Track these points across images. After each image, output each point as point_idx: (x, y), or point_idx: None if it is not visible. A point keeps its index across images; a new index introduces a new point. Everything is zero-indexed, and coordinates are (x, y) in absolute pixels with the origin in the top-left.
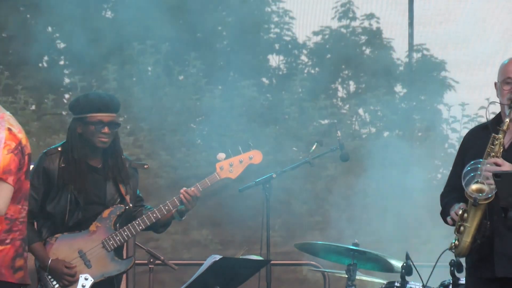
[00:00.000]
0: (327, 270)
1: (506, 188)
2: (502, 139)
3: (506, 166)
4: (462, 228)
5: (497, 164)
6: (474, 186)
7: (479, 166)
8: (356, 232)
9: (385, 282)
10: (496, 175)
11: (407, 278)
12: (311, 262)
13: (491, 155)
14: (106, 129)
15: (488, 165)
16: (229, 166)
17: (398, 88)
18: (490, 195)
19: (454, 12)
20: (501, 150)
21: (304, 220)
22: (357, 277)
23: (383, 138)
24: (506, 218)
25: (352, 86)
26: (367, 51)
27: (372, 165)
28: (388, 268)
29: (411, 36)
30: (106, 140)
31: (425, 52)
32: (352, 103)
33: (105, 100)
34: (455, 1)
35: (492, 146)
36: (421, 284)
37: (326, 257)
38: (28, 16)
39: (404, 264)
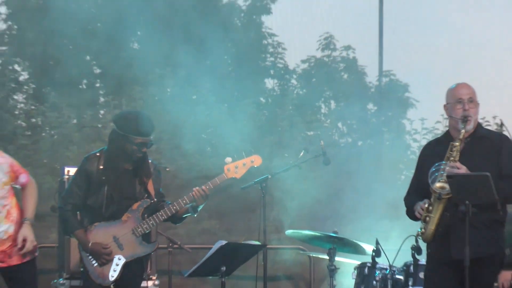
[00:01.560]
0: (312, 253)
1: (457, 187)
2: (459, 146)
3: (463, 169)
4: (427, 218)
5: (457, 167)
6: (438, 184)
7: (442, 167)
8: (335, 222)
9: (359, 262)
10: (449, 177)
11: (376, 259)
12: (300, 247)
13: (451, 159)
14: (144, 149)
15: (449, 168)
16: (235, 168)
17: (370, 106)
18: (448, 191)
19: (416, 44)
20: (458, 156)
21: (294, 212)
22: (336, 259)
23: (357, 146)
24: (458, 211)
25: (332, 104)
26: (345, 76)
27: (349, 168)
28: (361, 251)
29: (380, 63)
30: (141, 156)
31: (392, 77)
32: (333, 118)
33: (148, 126)
34: (416, 36)
35: (451, 152)
36: (388, 264)
37: (311, 242)
38: (70, 47)
39: (374, 248)
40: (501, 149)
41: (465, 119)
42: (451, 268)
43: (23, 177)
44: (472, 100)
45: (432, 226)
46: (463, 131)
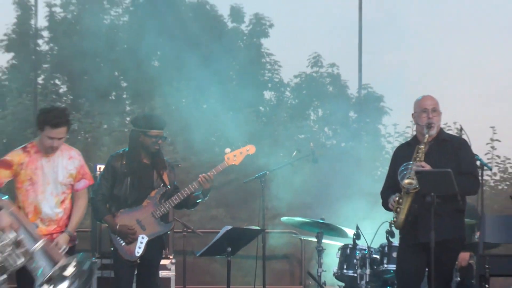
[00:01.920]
0: (303, 237)
1: (424, 181)
2: (424, 149)
3: (427, 168)
4: (398, 209)
5: (422, 166)
6: (406, 181)
7: (409, 166)
8: (322, 211)
9: (342, 244)
10: (417, 172)
11: (357, 242)
12: (292, 231)
13: (417, 159)
14: (160, 141)
15: (415, 167)
16: (233, 156)
17: (351, 113)
18: (417, 186)
19: (389, 62)
20: (423, 157)
21: (288, 202)
22: (323, 241)
23: (341, 147)
24: (425, 202)
25: (320, 112)
26: (331, 88)
27: (334, 166)
28: (344, 235)
29: (360, 78)
30: (158, 148)
31: (369, 89)
32: (320, 124)
33: (160, 121)
34: (390, 55)
35: (417, 154)
36: (366, 246)
37: (302, 227)
38: (102, 65)
39: (355, 232)
40: (460, 150)
41: (429, 126)
42: (419, 249)
43: (83, 183)
44: (435, 110)
45: (402, 216)
46: (427, 135)
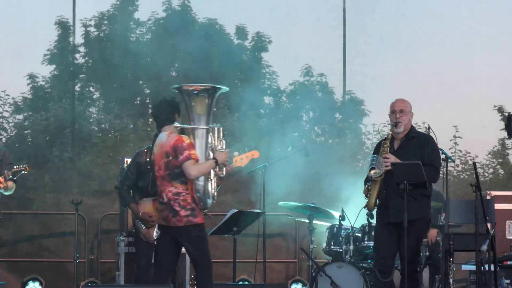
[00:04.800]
0: (297, 218)
1: (398, 171)
2: (388, 143)
3: (392, 158)
4: (369, 195)
5: (386, 157)
6: (372, 171)
7: (375, 158)
8: (313, 196)
9: (329, 224)
10: (393, 164)
11: (342, 222)
12: (288, 214)
13: (383, 153)
14: None
15: (381, 158)
16: (240, 159)
17: (337, 115)
18: (379, 174)
19: (369, 72)
20: (389, 150)
21: (284, 189)
22: (314, 222)
23: (328, 144)
24: (398, 188)
25: (311, 114)
26: (320, 94)
27: (323, 159)
28: (331, 217)
29: (344, 86)
30: None
31: (352, 95)
32: (311, 123)
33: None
34: (370, 66)
35: (383, 148)
36: (350, 226)
37: (296, 210)
38: (128, 75)
39: (341, 215)
40: (424, 145)
41: (395, 124)
42: (391, 227)
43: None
44: (403, 111)
45: (372, 200)
46: (390, 132)
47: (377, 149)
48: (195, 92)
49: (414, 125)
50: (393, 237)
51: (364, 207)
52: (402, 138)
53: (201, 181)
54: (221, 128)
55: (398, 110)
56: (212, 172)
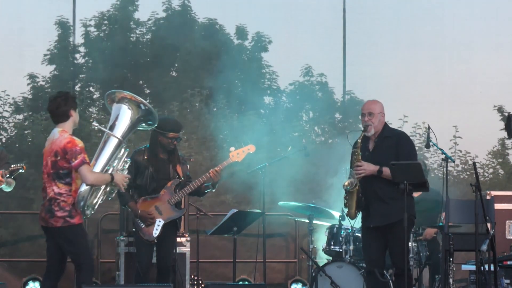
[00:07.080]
0: (297, 218)
1: (397, 172)
2: (358, 151)
3: (365, 165)
4: (348, 205)
5: (358, 166)
6: (346, 182)
7: (349, 170)
8: (313, 196)
9: (329, 224)
10: (392, 164)
11: (342, 222)
12: (288, 213)
13: (355, 161)
14: (175, 142)
15: (352, 170)
16: (237, 154)
17: (337, 115)
18: (354, 185)
19: (368, 72)
20: (362, 153)
21: (284, 189)
22: (314, 222)
23: (328, 143)
24: (399, 188)
25: (311, 114)
26: (319, 94)
27: (322, 158)
28: (331, 217)
29: (344, 86)
30: (173, 147)
31: (352, 95)
32: (311, 123)
33: (177, 125)
34: (368, 67)
35: (354, 156)
36: (350, 226)
37: (296, 210)
38: (129, 75)
39: (341, 215)
40: (398, 144)
41: (365, 128)
42: (374, 230)
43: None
44: (371, 113)
45: (352, 210)
46: (359, 140)
47: (351, 159)
48: (126, 100)
49: (414, 125)
50: (377, 240)
51: (346, 215)
52: (376, 139)
53: (87, 189)
54: (126, 153)
55: (367, 113)
56: (103, 187)
